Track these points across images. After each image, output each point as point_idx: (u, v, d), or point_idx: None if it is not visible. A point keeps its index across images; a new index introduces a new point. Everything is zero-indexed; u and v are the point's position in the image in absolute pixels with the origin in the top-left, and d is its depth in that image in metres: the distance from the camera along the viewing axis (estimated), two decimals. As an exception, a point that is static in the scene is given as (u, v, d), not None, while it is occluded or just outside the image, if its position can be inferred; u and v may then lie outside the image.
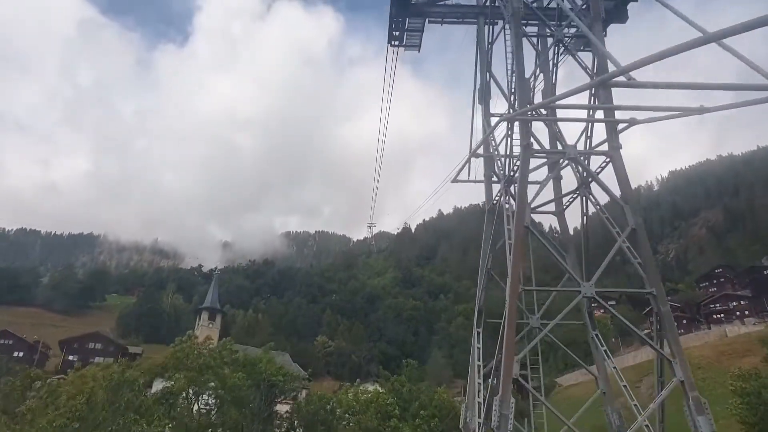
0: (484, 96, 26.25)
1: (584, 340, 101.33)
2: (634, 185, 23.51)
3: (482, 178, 24.64)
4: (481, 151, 23.91)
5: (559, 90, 24.50)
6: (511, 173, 22.11)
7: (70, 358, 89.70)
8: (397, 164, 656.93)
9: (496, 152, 23.36)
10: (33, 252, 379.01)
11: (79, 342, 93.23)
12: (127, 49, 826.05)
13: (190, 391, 42.10)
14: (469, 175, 24.63)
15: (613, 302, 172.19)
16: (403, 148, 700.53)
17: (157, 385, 46.38)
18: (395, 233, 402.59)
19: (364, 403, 44.99)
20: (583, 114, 23.02)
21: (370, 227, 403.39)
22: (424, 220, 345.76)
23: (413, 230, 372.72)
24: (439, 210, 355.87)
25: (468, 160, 24.22)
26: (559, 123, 22.59)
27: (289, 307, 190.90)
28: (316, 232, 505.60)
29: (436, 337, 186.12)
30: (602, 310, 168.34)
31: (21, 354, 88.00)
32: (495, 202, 23.92)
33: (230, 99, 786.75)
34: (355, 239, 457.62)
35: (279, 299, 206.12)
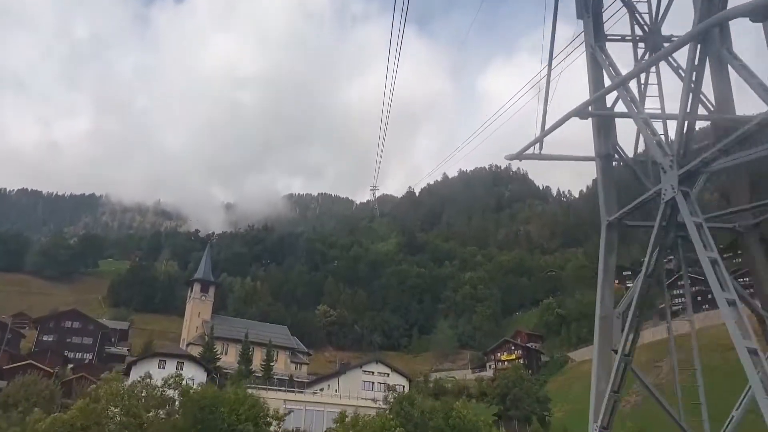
0: (590, 4, 15.20)
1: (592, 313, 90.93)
2: None
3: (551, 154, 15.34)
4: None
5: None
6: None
7: (45, 338, 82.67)
8: (401, 126, 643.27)
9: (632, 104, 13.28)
10: (35, 213, 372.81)
11: (54, 321, 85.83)
12: (123, 3, 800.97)
13: None
14: (540, 149, 15.21)
15: (628, 272, 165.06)
16: (408, 110, 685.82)
17: None
18: (399, 197, 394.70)
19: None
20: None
21: (373, 191, 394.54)
22: (428, 184, 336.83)
23: (417, 194, 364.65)
24: (444, 173, 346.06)
25: (538, 138, 14.99)
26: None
27: (289, 275, 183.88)
28: (318, 194, 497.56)
29: (441, 306, 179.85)
30: (617, 281, 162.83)
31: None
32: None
33: (230, 56, 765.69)
34: (358, 202, 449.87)
35: (279, 266, 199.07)
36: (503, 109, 18.67)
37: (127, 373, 62.28)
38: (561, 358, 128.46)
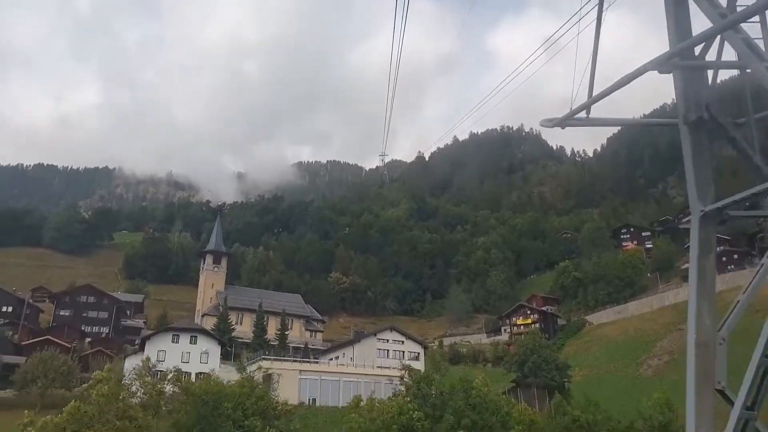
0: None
1: (616, 275, 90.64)
2: None
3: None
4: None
5: None
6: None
7: (62, 313, 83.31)
8: (409, 89, 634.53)
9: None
10: (51, 187, 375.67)
11: (70, 296, 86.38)
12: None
13: None
14: (588, 113, 12.35)
15: (648, 234, 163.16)
16: (416, 72, 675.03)
17: None
18: (409, 162, 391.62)
19: (381, 424, 34.62)
20: None
21: (382, 157, 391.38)
22: (438, 148, 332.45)
23: (427, 159, 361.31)
24: (455, 137, 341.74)
25: (591, 100, 12.12)
26: None
27: (300, 244, 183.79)
28: (328, 161, 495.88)
29: (454, 271, 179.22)
30: (635, 242, 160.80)
31: (10, 309, 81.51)
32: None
33: (235, 24, 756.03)
34: (367, 168, 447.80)
35: (290, 235, 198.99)
36: (517, 72, 16.39)
37: (141, 348, 62.45)
38: (578, 322, 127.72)
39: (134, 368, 58.30)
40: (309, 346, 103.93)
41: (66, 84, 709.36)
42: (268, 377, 58.53)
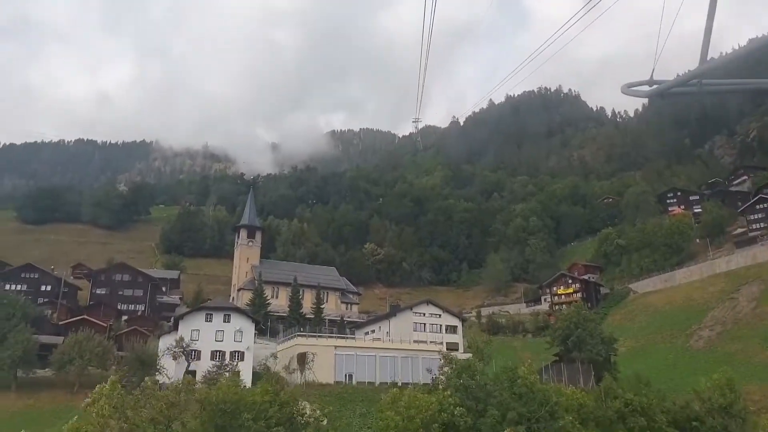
0: None
1: (662, 242, 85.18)
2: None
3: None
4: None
5: None
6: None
7: (98, 291, 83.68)
8: (443, 52, 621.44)
9: None
10: (92, 162, 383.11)
11: (105, 274, 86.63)
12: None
13: None
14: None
15: (696, 197, 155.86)
16: (450, 34, 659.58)
17: None
18: (443, 128, 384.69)
19: (420, 422, 32.07)
20: None
21: (415, 123, 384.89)
22: (474, 113, 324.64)
23: (462, 124, 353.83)
24: (490, 100, 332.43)
25: (708, 66, 9.59)
26: None
27: (334, 215, 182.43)
28: (360, 129, 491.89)
29: (491, 240, 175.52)
30: (683, 207, 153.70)
31: (48, 288, 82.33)
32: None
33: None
34: (400, 135, 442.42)
35: (324, 206, 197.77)
36: (557, 33, 13.67)
37: (175, 328, 61.73)
38: (622, 291, 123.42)
39: (168, 347, 58.01)
40: (345, 319, 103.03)
41: (101, 59, 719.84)
42: (302, 357, 57.25)
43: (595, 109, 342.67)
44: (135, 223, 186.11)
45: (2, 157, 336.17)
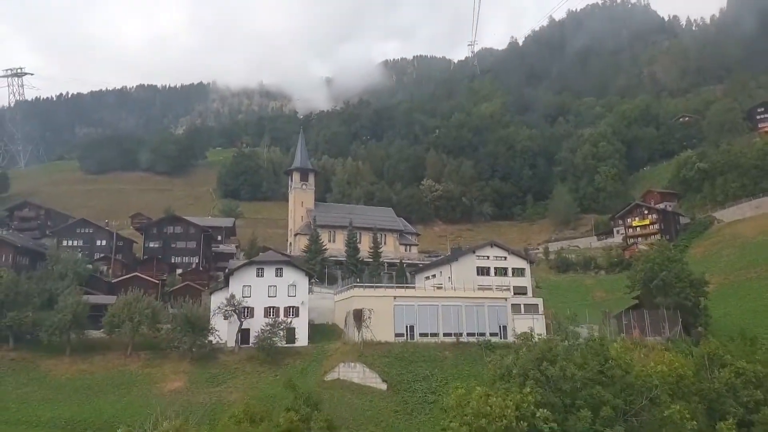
0: None
1: (752, 164, 72.93)
2: None
3: None
4: None
5: None
6: None
7: (151, 245, 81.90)
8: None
9: None
10: (154, 107, 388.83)
11: (156, 227, 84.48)
12: None
13: None
14: None
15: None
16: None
17: None
18: (501, 50, 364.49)
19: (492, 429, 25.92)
20: None
21: (471, 46, 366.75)
22: (533, 31, 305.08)
23: (521, 44, 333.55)
24: (551, 17, 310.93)
25: None
26: None
27: (390, 151, 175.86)
28: (414, 57, 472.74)
29: (557, 169, 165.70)
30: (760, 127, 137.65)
31: (103, 242, 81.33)
32: None
33: None
34: (456, 61, 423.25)
35: (378, 142, 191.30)
36: None
37: (226, 284, 58.94)
38: (704, 220, 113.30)
39: (219, 306, 55.36)
40: (404, 262, 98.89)
41: (155, 3, 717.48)
42: (358, 314, 53.35)
43: (667, 19, 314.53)
44: (193, 168, 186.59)
45: (71, 108, 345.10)
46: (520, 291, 76.27)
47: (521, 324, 67.06)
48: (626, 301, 77.86)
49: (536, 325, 66.56)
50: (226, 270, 67.92)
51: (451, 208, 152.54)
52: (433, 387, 46.44)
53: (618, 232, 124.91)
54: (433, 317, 61.93)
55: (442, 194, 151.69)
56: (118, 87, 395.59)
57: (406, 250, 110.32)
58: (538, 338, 36.57)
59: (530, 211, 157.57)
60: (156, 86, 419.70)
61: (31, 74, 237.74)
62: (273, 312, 57.04)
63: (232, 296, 55.30)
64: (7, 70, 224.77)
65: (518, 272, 78.28)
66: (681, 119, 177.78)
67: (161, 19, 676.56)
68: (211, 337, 53.96)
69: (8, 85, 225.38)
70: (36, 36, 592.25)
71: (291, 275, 59.55)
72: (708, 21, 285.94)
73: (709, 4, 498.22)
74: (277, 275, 59.09)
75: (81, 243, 79.56)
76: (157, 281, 66.78)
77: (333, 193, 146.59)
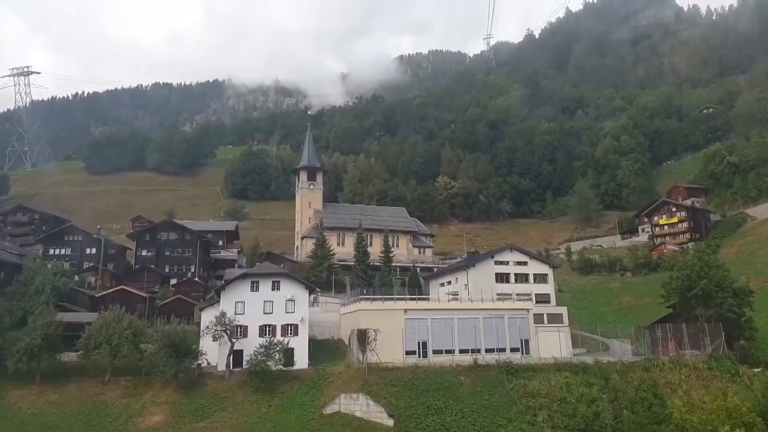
0: None
1: None
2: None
3: None
4: None
5: None
6: None
7: (144, 253, 76.34)
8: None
9: None
10: (169, 104, 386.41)
11: (150, 234, 78.87)
12: None
13: None
14: None
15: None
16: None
17: None
18: (516, 43, 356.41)
19: None
20: None
21: (486, 39, 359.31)
22: (549, 23, 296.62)
23: (537, 36, 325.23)
24: (567, 8, 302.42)
25: None
26: None
27: (403, 147, 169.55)
28: (429, 52, 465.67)
29: (578, 164, 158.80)
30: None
31: (93, 250, 75.95)
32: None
33: None
34: (471, 55, 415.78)
35: (392, 138, 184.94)
36: None
37: (219, 299, 53.35)
38: (736, 217, 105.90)
39: (207, 326, 49.88)
40: (417, 266, 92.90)
41: (170, 0, 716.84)
42: (362, 335, 47.52)
43: (686, 8, 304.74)
44: (201, 167, 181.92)
45: (88, 107, 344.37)
46: (542, 299, 70.10)
47: (545, 338, 61.25)
48: (655, 307, 71.34)
49: (562, 339, 60.82)
50: (218, 283, 62.37)
51: (468, 206, 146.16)
52: (447, 422, 40.43)
53: (643, 230, 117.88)
54: (448, 332, 56.07)
55: (458, 191, 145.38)
56: (134, 86, 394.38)
57: (419, 253, 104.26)
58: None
59: (550, 208, 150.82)
60: (171, 84, 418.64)
61: (39, 73, 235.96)
62: (269, 331, 51.40)
63: (223, 314, 49.70)
64: (13, 69, 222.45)
65: (540, 278, 72.09)
66: (705, 110, 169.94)
67: (176, 17, 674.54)
68: (200, 360, 48.59)
69: (14, 85, 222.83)
70: (53, 35, 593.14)
71: (289, 289, 53.85)
72: (728, 10, 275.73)
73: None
74: (273, 289, 53.40)
75: (69, 251, 74.62)
76: (146, 295, 61.33)
77: (344, 192, 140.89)
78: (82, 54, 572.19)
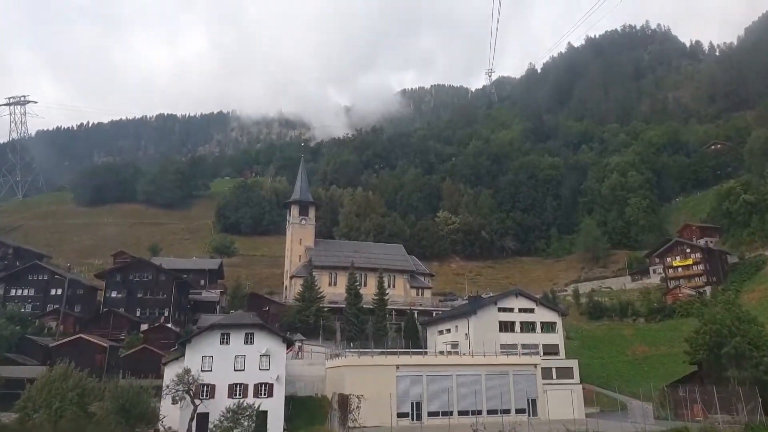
0: None
1: None
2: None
3: None
4: None
5: None
6: None
7: (114, 295, 69.63)
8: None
9: None
10: (173, 135, 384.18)
11: (120, 273, 72.17)
12: None
13: None
14: None
15: None
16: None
17: None
18: (518, 77, 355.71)
19: None
20: None
21: (488, 73, 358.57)
22: (551, 57, 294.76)
23: (539, 71, 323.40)
24: (569, 43, 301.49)
25: None
26: None
27: (402, 181, 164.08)
28: (432, 86, 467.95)
29: (583, 200, 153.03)
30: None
31: (59, 291, 69.12)
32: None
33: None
34: (473, 89, 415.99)
35: (391, 171, 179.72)
36: None
37: (183, 353, 46.70)
38: (756, 260, 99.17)
39: (167, 385, 43.23)
40: (413, 309, 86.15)
41: (177, 33, 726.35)
42: (344, 400, 40.84)
43: (689, 44, 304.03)
44: (193, 200, 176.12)
45: (92, 137, 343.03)
46: (550, 350, 63.71)
47: (555, 397, 54.75)
48: (673, 358, 65.26)
49: (573, 399, 54.18)
50: (195, 329, 55.61)
51: (470, 243, 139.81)
52: None
53: (655, 271, 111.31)
54: (446, 391, 49.78)
55: (459, 227, 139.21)
56: (138, 116, 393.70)
57: (417, 294, 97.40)
58: None
59: (555, 246, 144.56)
60: (176, 116, 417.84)
61: (35, 102, 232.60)
62: (240, 390, 44.68)
63: (187, 371, 42.94)
64: (9, 98, 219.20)
65: (548, 327, 65.86)
66: (713, 146, 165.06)
67: (182, 49, 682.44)
68: (158, 426, 41.78)
69: (10, 114, 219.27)
70: (60, 67, 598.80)
71: (265, 342, 47.28)
72: (734, 44, 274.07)
73: (728, 30, 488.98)
74: (246, 342, 46.84)
75: (33, 292, 68.10)
76: (107, 344, 54.58)
77: (340, 226, 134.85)
78: (88, 84, 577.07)
